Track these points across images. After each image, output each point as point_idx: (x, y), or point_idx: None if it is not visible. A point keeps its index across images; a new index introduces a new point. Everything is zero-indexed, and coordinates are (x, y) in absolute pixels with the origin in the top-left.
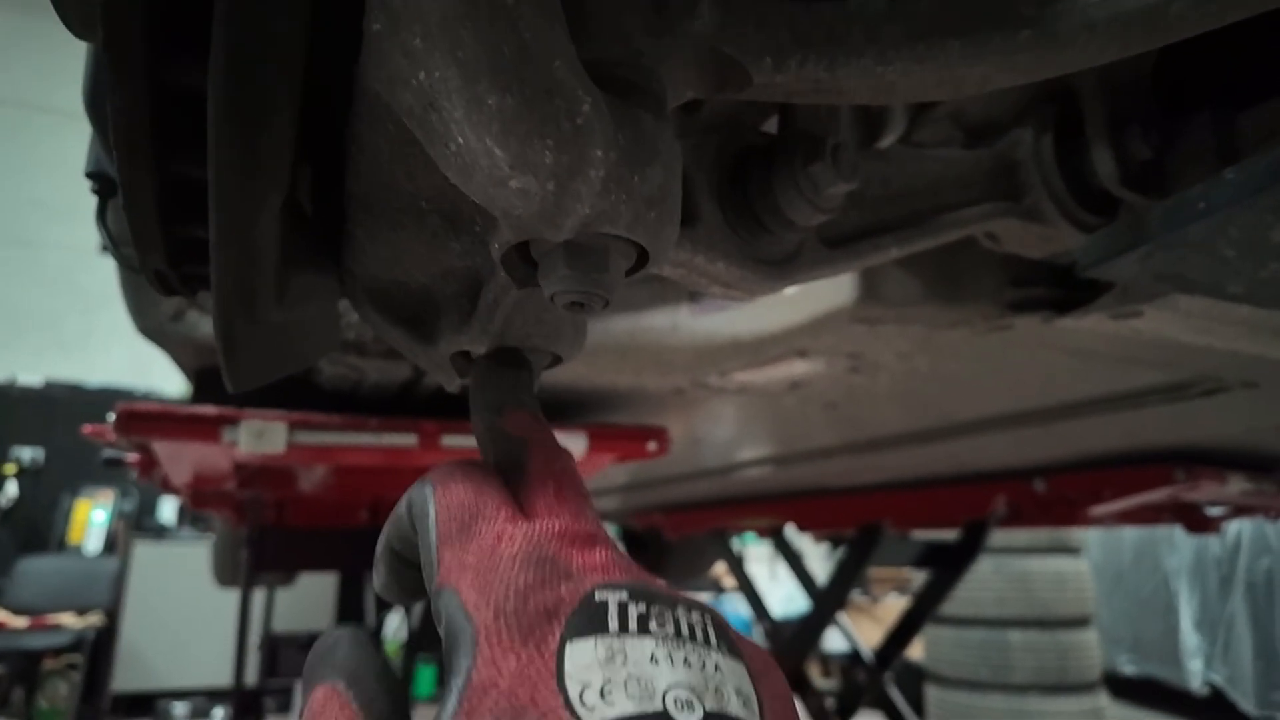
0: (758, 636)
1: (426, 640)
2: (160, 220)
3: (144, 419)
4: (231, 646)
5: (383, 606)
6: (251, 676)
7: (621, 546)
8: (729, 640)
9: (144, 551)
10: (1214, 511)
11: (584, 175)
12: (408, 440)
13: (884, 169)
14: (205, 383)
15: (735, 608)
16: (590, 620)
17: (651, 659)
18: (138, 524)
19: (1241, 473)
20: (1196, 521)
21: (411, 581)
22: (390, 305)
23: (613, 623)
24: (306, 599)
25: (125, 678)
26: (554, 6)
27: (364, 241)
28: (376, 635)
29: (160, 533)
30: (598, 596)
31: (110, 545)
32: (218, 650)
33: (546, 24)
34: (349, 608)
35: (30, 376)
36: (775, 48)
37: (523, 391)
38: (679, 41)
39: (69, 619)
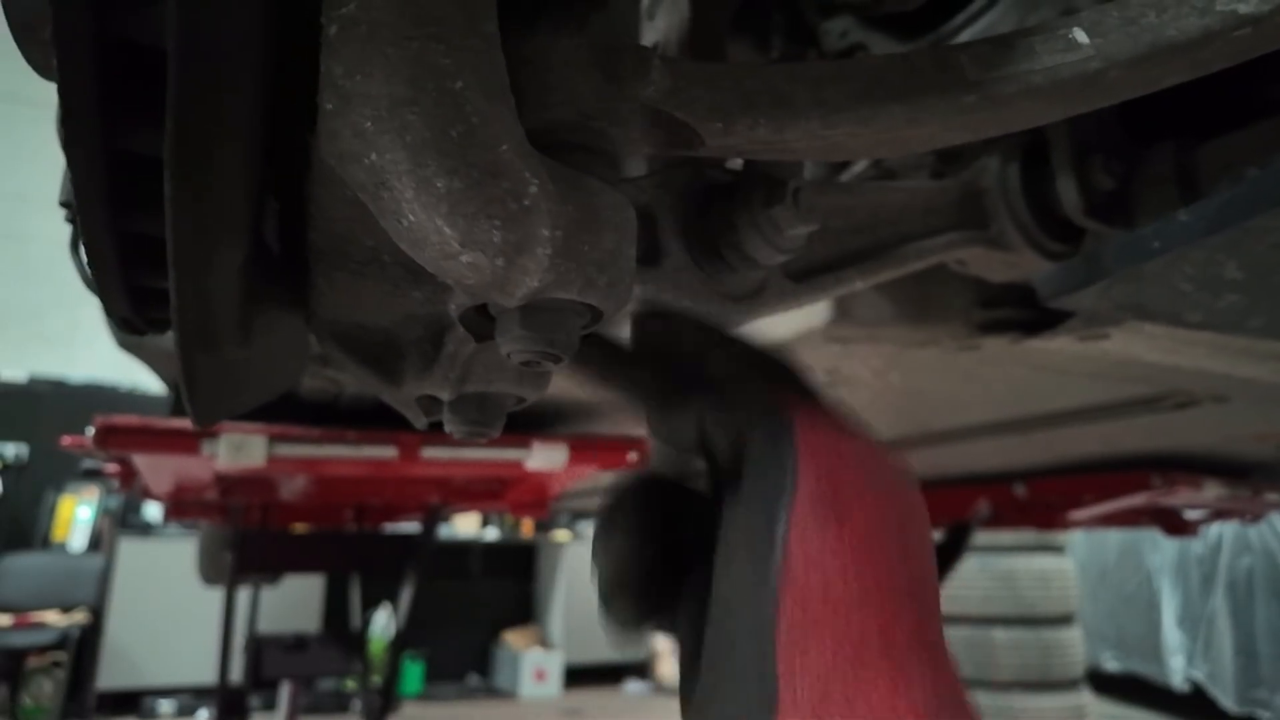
0: None
1: (411, 638)
2: (122, 274)
3: (123, 433)
4: (217, 644)
5: (367, 606)
6: (238, 676)
7: None
8: None
9: (129, 548)
10: (1192, 515)
11: (531, 252)
12: (387, 452)
13: (849, 201)
14: None
15: None
16: None
17: None
18: (123, 520)
19: (1217, 478)
20: (1175, 525)
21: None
22: (355, 345)
23: None
24: (293, 599)
25: (110, 675)
26: (501, 88)
27: (326, 288)
28: (363, 634)
29: (145, 530)
30: None
31: (95, 542)
32: (203, 648)
33: (493, 106)
34: (336, 608)
35: (14, 371)
36: (724, 112)
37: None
38: (631, 107)
39: (53, 617)
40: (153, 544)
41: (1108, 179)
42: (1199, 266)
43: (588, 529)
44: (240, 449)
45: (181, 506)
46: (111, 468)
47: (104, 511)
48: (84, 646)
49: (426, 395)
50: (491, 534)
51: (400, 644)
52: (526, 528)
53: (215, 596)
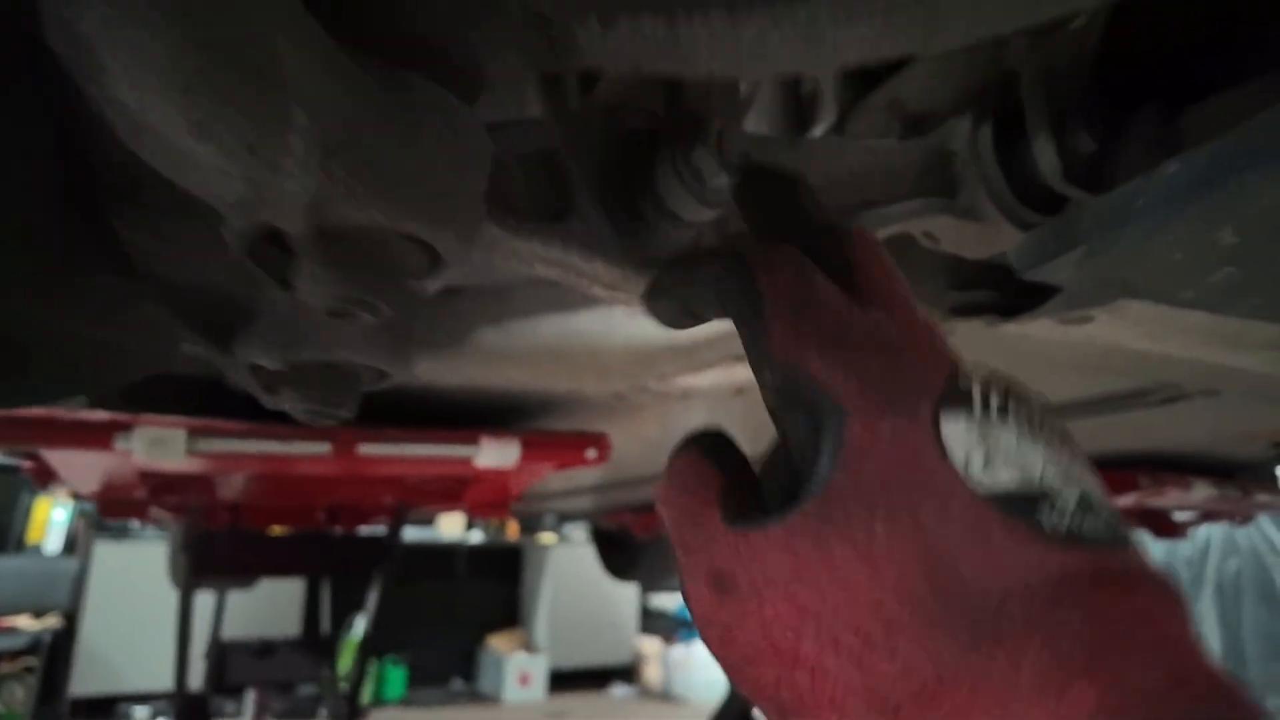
0: None
1: (382, 643)
2: None
3: (24, 425)
4: (195, 649)
5: (347, 610)
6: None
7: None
8: (1072, 441)
9: (105, 551)
10: (1180, 517)
11: (285, 145)
12: (320, 449)
13: (800, 159)
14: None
15: None
16: (956, 400)
17: (1018, 442)
18: (99, 523)
19: (1206, 478)
20: (1164, 527)
21: (689, 316)
22: (185, 306)
23: (977, 406)
24: (271, 602)
25: (84, 681)
26: None
27: (130, 236)
28: (334, 639)
29: (122, 532)
30: (960, 380)
31: (71, 545)
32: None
33: None
34: (316, 612)
35: None
36: (601, 5)
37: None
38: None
39: (26, 621)
40: (129, 547)
41: (1088, 140)
42: (1191, 230)
43: (573, 531)
44: (158, 443)
45: (112, 506)
46: (27, 464)
47: (80, 513)
48: (57, 651)
49: (256, 364)
50: (476, 536)
51: (368, 649)
52: (512, 530)
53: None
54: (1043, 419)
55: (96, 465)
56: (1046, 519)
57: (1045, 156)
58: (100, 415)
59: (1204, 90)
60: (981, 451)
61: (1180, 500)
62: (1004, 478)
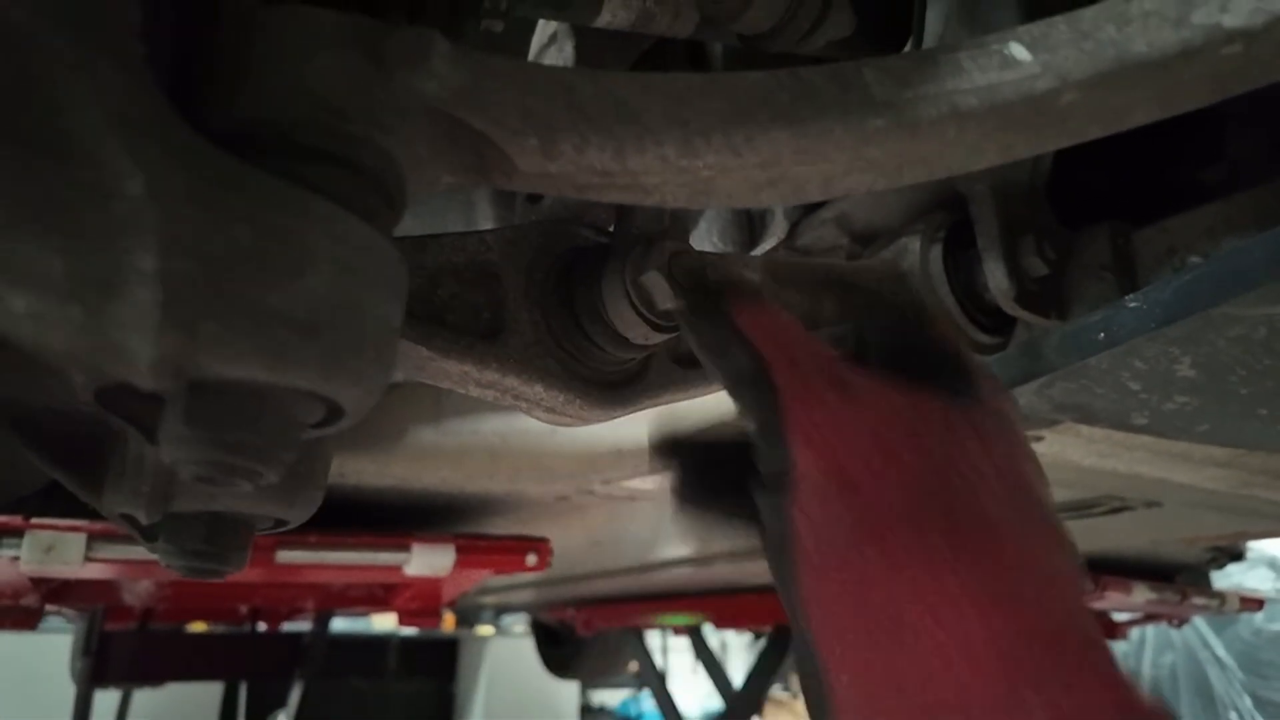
0: None
1: None
2: None
3: None
4: None
5: (259, 710)
6: None
7: None
8: None
9: (3, 642)
10: (1120, 617)
11: (126, 295)
12: None
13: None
14: None
15: (651, 705)
16: None
17: None
18: None
19: (1146, 581)
20: (1103, 628)
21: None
22: (47, 439)
23: None
24: (184, 698)
25: None
26: (95, 25)
27: None
28: None
29: None
30: None
31: None
32: None
33: (73, 49)
34: (230, 711)
35: None
36: (541, 124)
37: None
38: (405, 104)
39: None
40: (31, 638)
41: (1040, 264)
42: (1150, 362)
43: (513, 624)
44: (50, 550)
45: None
46: None
47: None
48: None
49: (125, 514)
50: (409, 628)
51: None
52: (448, 621)
53: (104, 697)
54: None
55: None
56: None
57: (997, 279)
58: None
59: (1156, 211)
60: None
61: (1122, 603)
62: None
